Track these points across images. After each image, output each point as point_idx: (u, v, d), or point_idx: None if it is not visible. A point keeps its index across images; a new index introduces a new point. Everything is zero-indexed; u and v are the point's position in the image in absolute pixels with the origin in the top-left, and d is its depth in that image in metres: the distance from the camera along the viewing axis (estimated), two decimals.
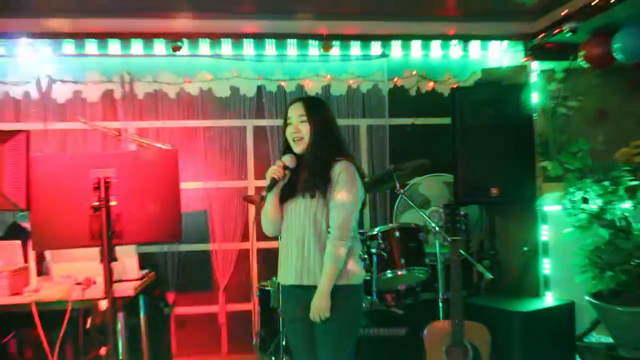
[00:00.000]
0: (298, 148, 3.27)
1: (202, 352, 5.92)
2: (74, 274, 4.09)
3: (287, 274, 3.27)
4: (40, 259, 4.32)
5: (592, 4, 4.81)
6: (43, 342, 3.83)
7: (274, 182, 3.18)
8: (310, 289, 3.14)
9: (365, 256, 4.49)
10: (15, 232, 4.86)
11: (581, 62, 5.42)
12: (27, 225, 4.34)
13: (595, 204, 3.74)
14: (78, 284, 3.96)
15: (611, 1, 4.66)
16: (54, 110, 5.72)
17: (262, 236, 5.76)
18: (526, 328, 3.76)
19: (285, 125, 3.34)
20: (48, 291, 3.88)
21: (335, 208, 3.15)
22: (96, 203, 3.23)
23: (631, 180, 3.81)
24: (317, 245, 3.17)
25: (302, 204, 3.21)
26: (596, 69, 5.57)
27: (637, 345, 3.43)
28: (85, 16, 5.33)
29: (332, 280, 3.10)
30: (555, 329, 3.86)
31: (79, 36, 5.41)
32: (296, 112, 3.28)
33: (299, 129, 3.26)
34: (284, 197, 3.29)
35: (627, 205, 3.73)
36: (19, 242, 4.20)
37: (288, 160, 3.23)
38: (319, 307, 3.09)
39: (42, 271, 4.44)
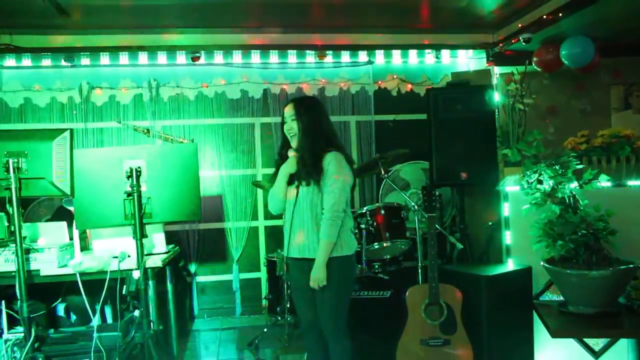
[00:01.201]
0: (293, 143, 3.31)
1: (219, 314, 5.93)
2: (111, 248, 4.08)
3: (291, 249, 3.31)
4: (82, 237, 4.30)
5: (543, 17, 4.79)
6: (86, 307, 3.82)
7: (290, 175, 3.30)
8: (311, 261, 3.20)
9: (356, 231, 4.47)
10: (61, 214, 4.86)
11: (535, 66, 5.40)
12: (71, 208, 4.32)
13: (548, 185, 3.71)
14: (115, 257, 3.94)
15: (559, 15, 4.63)
16: (93, 112, 5.70)
17: (268, 215, 5.90)
18: (491, 289, 3.74)
19: (282, 122, 3.38)
20: (89, 263, 3.86)
21: (327, 193, 3.19)
22: (129, 189, 3.23)
23: (578, 164, 3.78)
24: (314, 225, 3.22)
25: (301, 190, 3.25)
26: (547, 72, 5.56)
27: (583, 302, 3.43)
28: (119, 32, 5.35)
29: (326, 254, 3.15)
30: (516, 290, 3.86)
31: (114, 49, 5.42)
32: (288, 112, 3.32)
33: (291, 127, 3.29)
34: (287, 183, 3.33)
35: (574, 185, 3.71)
36: (64, 222, 4.19)
37: (294, 153, 3.29)
38: (317, 277, 3.15)
39: (84, 247, 4.43)
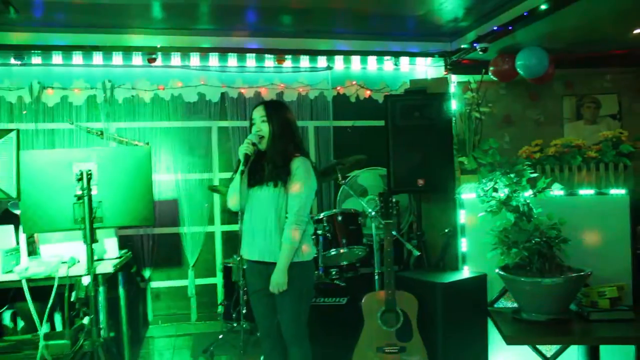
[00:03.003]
0: (261, 145, 3.23)
1: (174, 320, 5.81)
2: (60, 253, 3.95)
3: (251, 251, 3.25)
4: (30, 241, 4.15)
5: (499, 28, 4.86)
6: (33, 314, 3.67)
7: (247, 158, 3.14)
8: (271, 265, 3.15)
9: (313, 237, 4.43)
10: (7, 217, 4.66)
11: (491, 76, 5.48)
12: (17, 211, 4.16)
13: (503, 193, 3.75)
14: (64, 262, 3.81)
15: (515, 26, 4.71)
16: (44, 112, 5.53)
17: (225, 220, 5.82)
18: (447, 296, 3.75)
19: (251, 125, 3.32)
20: (37, 269, 3.71)
21: (292, 198, 3.15)
22: (79, 192, 3.13)
23: (532, 173, 3.83)
24: (277, 229, 3.16)
25: (266, 191, 3.19)
26: (503, 81, 5.65)
27: (536, 309, 3.47)
28: (73, 31, 5.17)
29: (288, 258, 3.11)
30: (471, 297, 3.87)
31: (67, 48, 5.26)
32: (258, 114, 3.27)
33: (260, 128, 3.24)
34: (251, 184, 3.25)
35: (529, 193, 3.76)
36: (11, 226, 4.03)
37: (254, 138, 3.21)
38: (278, 281, 3.10)
39: (32, 252, 4.27)
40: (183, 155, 5.85)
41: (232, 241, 5.85)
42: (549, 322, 3.41)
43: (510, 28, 4.77)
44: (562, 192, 3.96)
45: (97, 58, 5.43)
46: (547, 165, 4.31)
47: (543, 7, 4.26)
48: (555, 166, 4.31)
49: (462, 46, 5.50)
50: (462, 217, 4.18)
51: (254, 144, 3.18)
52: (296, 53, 5.72)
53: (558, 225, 3.52)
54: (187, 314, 5.87)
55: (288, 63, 5.87)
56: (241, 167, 3.14)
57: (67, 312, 3.54)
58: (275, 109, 3.31)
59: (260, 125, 3.24)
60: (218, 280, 5.85)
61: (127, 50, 5.37)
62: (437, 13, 5.00)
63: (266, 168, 3.21)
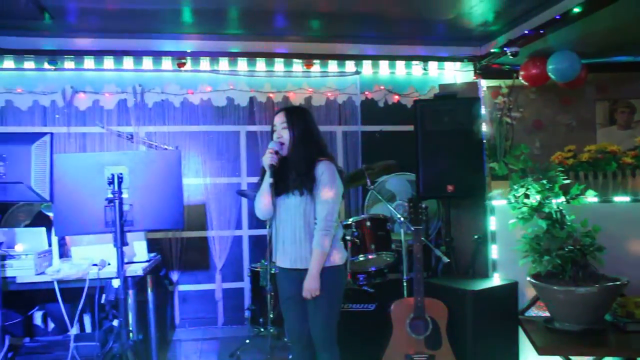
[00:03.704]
0: (283, 151, 3.21)
1: (201, 323, 5.83)
2: (91, 256, 3.98)
3: (283, 259, 3.25)
4: (61, 244, 4.19)
5: (530, 31, 4.78)
6: (63, 315, 3.71)
7: (273, 169, 3.11)
8: (303, 271, 3.15)
9: (342, 241, 4.41)
10: (40, 220, 4.74)
11: (521, 80, 5.40)
12: (50, 214, 4.21)
13: (535, 199, 3.68)
14: (94, 264, 3.84)
15: (547, 29, 4.63)
16: (77, 116, 5.60)
17: (253, 224, 5.82)
18: (477, 304, 3.70)
19: (272, 131, 3.31)
20: (68, 271, 3.75)
21: (320, 203, 3.14)
22: (110, 195, 3.15)
23: (565, 179, 3.77)
24: (307, 235, 3.16)
25: (293, 200, 3.17)
26: (533, 86, 5.57)
27: (569, 319, 3.40)
28: (104, 36, 5.25)
29: (320, 264, 3.11)
30: (502, 305, 3.82)
31: (99, 53, 5.35)
32: (279, 120, 3.26)
33: (281, 135, 3.22)
34: (277, 193, 3.22)
35: (562, 200, 3.69)
36: (43, 228, 4.09)
37: (275, 146, 3.19)
38: (310, 287, 3.10)
39: (63, 254, 4.32)
40: (212, 160, 5.87)
41: (260, 245, 5.85)
42: (583, 333, 3.33)
43: (541, 32, 4.70)
44: (596, 199, 3.88)
45: (128, 63, 5.49)
46: (581, 171, 4.23)
47: (576, 10, 4.19)
48: (589, 172, 4.23)
49: (492, 50, 5.43)
50: (493, 223, 4.13)
51: (276, 152, 3.16)
52: (324, 58, 5.72)
53: (592, 233, 3.45)
54: (214, 317, 5.88)
55: (316, 68, 5.86)
56: (269, 180, 3.12)
57: (98, 314, 3.55)
58: (296, 114, 3.29)
59: (282, 132, 3.23)
60: (245, 284, 5.85)
61: (157, 55, 5.43)
62: (466, 17, 4.95)
63: (290, 175, 3.18)
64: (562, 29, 4.54)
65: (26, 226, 4.84)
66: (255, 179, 4.77)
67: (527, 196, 3.75)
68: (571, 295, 3.31)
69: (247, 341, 4.98)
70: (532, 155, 4.95)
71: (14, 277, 3.71)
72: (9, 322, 3.43)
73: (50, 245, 4.02)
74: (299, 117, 3.28)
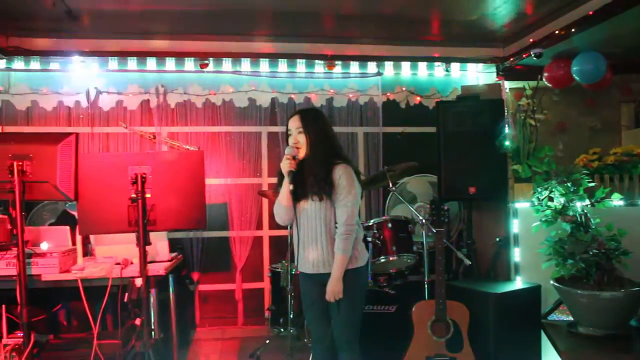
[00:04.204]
0: (299, 155, 3.20)
1: (221, 323, 5.86)
2: (114, 255, 4.03)
3: (305, 265, 3.26)
4: (85, 242, 4.25)
5: (555, 33, 4.73)
6: (87, 313, 3.76)
7: (292, 173, 3.12)
8: (326, 275, 3.15)
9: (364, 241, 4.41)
10: (65, 218, 4.80)
11: (545, 82, 5.35)
12: (75, 213, 4.27)
13: (559, 202, 3.65)
14: (117, 263, 3.88)
15: (572, 30, 4.57)
16: (100, 116, 5.67)
17: (273, 225, 5.83)
18: (499, 307, 3.67)
19: (287, 135, 3.29)
20: (92, 269, 3.80)
21: (339, 208, 3.13)
22: (133, 195, 3.18)
23: (590, 182, 3.72)
24: (328, 240, 3.16)
25: (312, 205, 3.17)
26: (557, 87, 5.50)
27: (593, 324, 3.36)
28: (127, 37, 5.31)
29: (343, 267, 3.11)
30: (524, 308, 3.78)
31: (122, 54, 5.40)
32: (294, 124, 3.23)
33: (297, 139, 3.21)
34: (296, 199, 3.22)
35: (586, 203, 3.64)
36: (67, 227, 4.14)
37: (292, 151, 3.18)
38: (334, 290, 3.11)
39: (87, 252, 4.38)
40: (233, 160, 5.90)
41: (280, 246, 5.86)
42: (607, 338, 3.29)
43: (566, 33, 4.65)
44: (621, 202, 3.83)
45: (151, 64, 5.54)
46: (606, 174, 4.17)
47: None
48: (614, 175, 4.17)
49: (515, 51, 5.38)
50: (515, 226, 4.09)
51: (294, 157, 3.16)
52: (346, 59, 5.71)
53: (617, 237, 3.41)
54: (234, 317, 5.90)
55: (338, 69, 5.86)
56: (290, 186, 3.12)
57: (120, 312, 3.59)
58: (312, 118, 3.26)
59: (298, 137, 3.20)
60: (266, 284, 5.86)
61: (179, 56, 5.46)
62: (490, 17, 4.91)
63: (308, 180, 3.17)
64: (588, 29, 4.48)
65: (51, 225, 4.91)
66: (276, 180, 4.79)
67: (551, 199, 3.72)
68: (595, 300, 3.27)
69: (267, 341, 4.99)
70: (556, 157, 4.90)
71: (40, 275, 3.77)
72: (34, 319, 3.47)
73: (74, 243, 4.07)
74: (314, 120, 3.26)
